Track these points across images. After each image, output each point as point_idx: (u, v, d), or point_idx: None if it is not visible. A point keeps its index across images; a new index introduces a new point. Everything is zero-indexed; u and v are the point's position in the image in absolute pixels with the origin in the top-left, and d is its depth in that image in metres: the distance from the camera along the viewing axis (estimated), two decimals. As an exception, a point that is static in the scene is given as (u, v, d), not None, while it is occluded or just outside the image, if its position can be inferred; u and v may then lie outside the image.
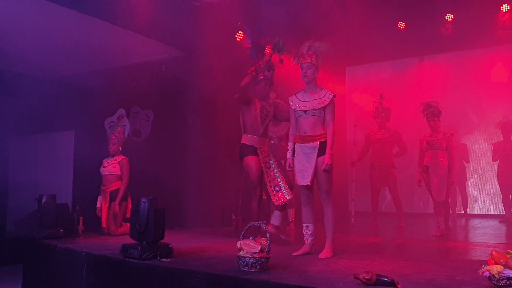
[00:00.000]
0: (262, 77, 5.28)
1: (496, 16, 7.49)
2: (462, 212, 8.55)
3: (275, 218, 5.29)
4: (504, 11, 7.38)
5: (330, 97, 4.41)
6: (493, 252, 3.06)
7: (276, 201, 5.19)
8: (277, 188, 5.21)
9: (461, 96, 9.10)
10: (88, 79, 7.71)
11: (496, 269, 2.94)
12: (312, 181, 4.39)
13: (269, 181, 5.20)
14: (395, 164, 7.42)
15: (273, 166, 5.27)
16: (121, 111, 7.27)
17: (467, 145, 8.59)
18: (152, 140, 7.49)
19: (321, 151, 4.35)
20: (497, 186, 8.18)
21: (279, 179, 5.23)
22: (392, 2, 7.26)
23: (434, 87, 9.01)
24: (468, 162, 8.51)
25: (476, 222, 8.10)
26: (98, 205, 6.08)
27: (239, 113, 5.38)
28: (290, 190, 5.25)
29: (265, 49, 5.52)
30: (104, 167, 6.19)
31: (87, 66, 7.73)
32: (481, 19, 7.44)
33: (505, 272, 2.91)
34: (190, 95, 7.13)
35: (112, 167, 6.13)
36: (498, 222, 7.84)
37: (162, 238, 4.27)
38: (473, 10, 7.31)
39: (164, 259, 4.10)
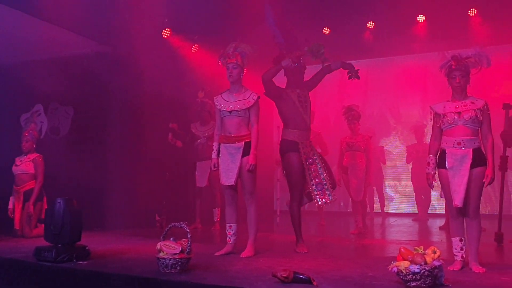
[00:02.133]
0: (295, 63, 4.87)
1: (413, 26, 7.95)
2: (379, 211, 9.00)
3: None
4: (420, 21, 7.86)
5: (255, 98, 4.48)
6: (401, 249, 3.26)
7: (317, 201, 4.81)
8: (319, 187, 4.79)
9: (380, 101, 9.60)
10: (3, 73, 7.23)
11: (403, 264, 3.14)
12: (236, 181, 4.43)
13: (311, 179, 4.78)
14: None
15: (317, 161, 4.86)
16: (38, 107, 6.89)
17: (383, 147, 9.06)
18: (72, 138, 7.17)
19: (246, 151, 4.41)
20: (411, 186, 8.70)
21: (322, 176, 4.81)
22: (318, 8, 7.47)
23: (355, 92, 9.40)
24: (384, 163, 8.98)
25: (392, 220, 8.56)
26: (10, 206, 5.75)
27: (275, 108, 5.02)
28: (333, 190, 4.86)
29: (290, 30, 5.11)
30: (16, 165, 5.85)
31: (3, 59, 7.24)
32: (400, 28, 7.86)
33: (411, 267, 3.11)
34: (114, 91, 6.90)
35: (25, 165, 5.81)
36: (412, 220, 8.34)
37: (79, 240, 4.12)
38: (394, 18, 7.69)
39: (81, 262, 3.95)
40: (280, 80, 5.09)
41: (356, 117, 6.69)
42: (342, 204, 9.55)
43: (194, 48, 8.06)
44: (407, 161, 8.69)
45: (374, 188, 8.80)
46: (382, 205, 9.01)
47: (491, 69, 6.58)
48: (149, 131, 7.14)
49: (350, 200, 7.06)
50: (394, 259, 3.30)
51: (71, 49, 6.92)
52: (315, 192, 4.79)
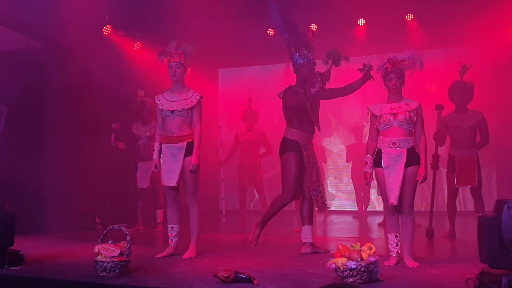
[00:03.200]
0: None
1: (354, 29, 8.19)
2: (322, 208, 9.18)
3: (307, 234, 4.67)
4: (361, 24, 8.10)
5: (198, 98, 4.45)
6: (339, 246, 3.36)
7: (317, 207, 4.69)
8: (316, 193, 4.67)
9: (323, 102, 9.75)
10: None
11: (340, 261, 3.23)
12: (178, 182, 4.39)
13: (311, 183, 4.65)
14: (262, 164, 7.74)
15: (315, 168, 4.73)
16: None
17: (324, 146, 9.27)
18: (5, 138, 6.80)
19: (188, 151, 4.38)
20: (351, 184, 8.96)
21: (319, 183, 4.72)
22: (262, 9, 7.53)
23: (299, 92, 9.55)
24: (326, 162, 9.18)
25: (333, 217, 8.78)
26: None
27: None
28: (326, 199, 4.81)
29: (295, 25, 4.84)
30: None
31: None
32: (342, 30, 8.07)
33: (348, 264, 3.21)
34: (51, 89, 6.63)
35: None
36: (352, 217, 8.59)
37: (11, 244, 3.92)
38: (335, 21, 7.87)
39: (13, 267, 3.76)
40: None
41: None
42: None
43: (137, 45, 7.90)
44: (347, 160, 8.94)
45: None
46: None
47: (426, 72, 6.92)
48: (89, 131, 6.92)
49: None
50: (333, 256, 3.39)
51: (3, 44, 6.57)
52: (314, 197, 4.67)
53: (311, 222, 4.75)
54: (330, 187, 9.68)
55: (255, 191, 8.41)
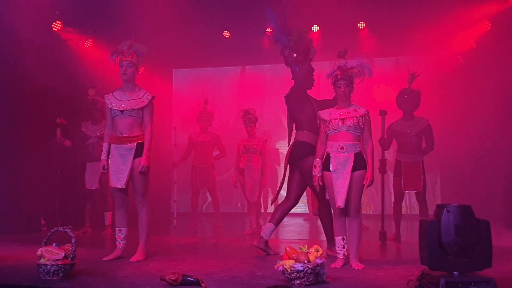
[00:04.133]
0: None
1: (309, 36, 8.29)
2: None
3: (267, 232, 4.69)
4: (314, 31, 8.24)
5: (149, 98, 4.40)
6: (287, 248, 3.40)
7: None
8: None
9: (277, 106, 9.89)
10: None
11: (288, 263, 3.28)
12: (127, 184, 4.31)
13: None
14: (215, 166, 7.72)
15: None
16: None
17: (279, 149, 9.36)
18: None
19: (138, 152, 4.31)
20: (304, 187, 9.06)
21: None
22: (218, 11, 7.52)
23: (254, 95, 9.62)
24: (279, 165, 9.28)
25: (285, 220, 8.83)
26: None
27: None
28: None
29: (292, 31, 4.79)
30: None
31: None
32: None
33: (295, 266, 3.25)
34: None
35: None
36: (303, 220, 8.71)
37: None
38: (291, 26, 7.95)
39: None
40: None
41: (253, 120, 6.85)
42: (239, 205, 9.69)
43: (88, 43, 7.70)
44: (300, 164, 9.04)
45: (269, 189, 9.06)
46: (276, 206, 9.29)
47: (376, 79, 7.11)
48: (33, 126, 6.63)
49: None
50: (281, 258, 3.43)
51: None
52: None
53: (278, 223, 4.83)
54: (283, 190, 9.73)
55: (208, 194, 8.37)
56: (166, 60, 8.39)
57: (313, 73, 4.87)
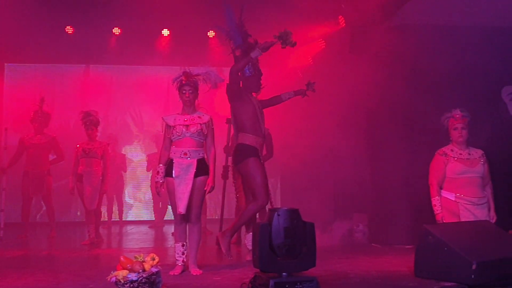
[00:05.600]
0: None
1: (158, 39, 8.19)
2: (118, 219, 8.89)
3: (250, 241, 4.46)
4: (165, 35, 8.14)
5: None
6: (121, 258, 3.25)
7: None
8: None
9: (124, 109, 9.57)
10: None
11: (121, 274, 3.13)
12: None
13: None
14: (52, 171, 7.12)
15: None
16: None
17: (125, 155, 9.04)
18: None
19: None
20: (150, 194, 8.89)
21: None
22: (61, 3, 6.99)
23: (98, 97, 9.12)
24: (125, 171, 8.95)
25: (129, 228, 8.57)
26: None
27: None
28: None
29: (248, 33, 4.69)
30: None
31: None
32: (147, 38, 7.99)
33: (129, 276, 3.12)
34: None
35: None
36: (148, 227, 8.51)
37: None
38: (140, 28, 7.75)
39: None
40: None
41: (94, 122, 6.48)
42: (78, 213, 9.07)
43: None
44: (148, 169, 8.86)
45: (114, 195, 8.67)
46: (121, 213, 8.94)
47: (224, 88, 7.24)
48: None
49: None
50: (115, 269, 3.26)
51: None
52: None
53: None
54: (128, 196, 9.44)
55: (42, 202, 7.64)
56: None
57: (261, 77, 4.90)
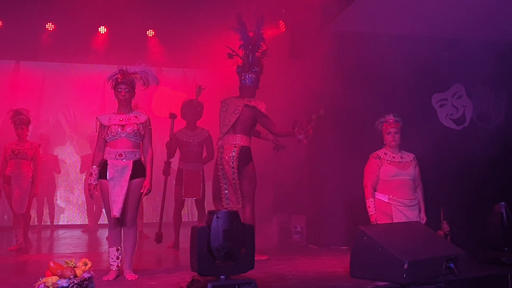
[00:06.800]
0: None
1: (95, 36, 7.90)
2: (48, 223, 8.48)
3: None
4: (101, 32, 7.86)
5: None
6: (51, 264, 3.10)
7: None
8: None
9: (57, 108, 9.16)
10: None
11: (51, 280, 2.98)
12: None
13: None
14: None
15: None
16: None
17: (58, 156, 8.64)
18: None
19: None
20: (84, 197, 8.55)
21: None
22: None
23: (29, 95, 8.69)
24: (59, 173, 8.56)
25: (60, 232, 8.19)
26: None
27: None
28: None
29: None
30: None
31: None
32: (82, 35, 7.69)
33: (59, 282, 2.98)
34: None
35: None
36: (81, 231, 8.17)
37: None
38: (75, 25, 7.43)
39: None
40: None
41: (24, 122, 6.15)
42: (5, 217, 8.55)
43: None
44: (81, 171, 8.53)
45: (45, 198, 8.24)
46: (52, 217, 8.51)
47: (163, 87, 7.11)
48: None
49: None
50: (44, 275, 3.10)
51: None
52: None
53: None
54: (60, 200, 9.02)
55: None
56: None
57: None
